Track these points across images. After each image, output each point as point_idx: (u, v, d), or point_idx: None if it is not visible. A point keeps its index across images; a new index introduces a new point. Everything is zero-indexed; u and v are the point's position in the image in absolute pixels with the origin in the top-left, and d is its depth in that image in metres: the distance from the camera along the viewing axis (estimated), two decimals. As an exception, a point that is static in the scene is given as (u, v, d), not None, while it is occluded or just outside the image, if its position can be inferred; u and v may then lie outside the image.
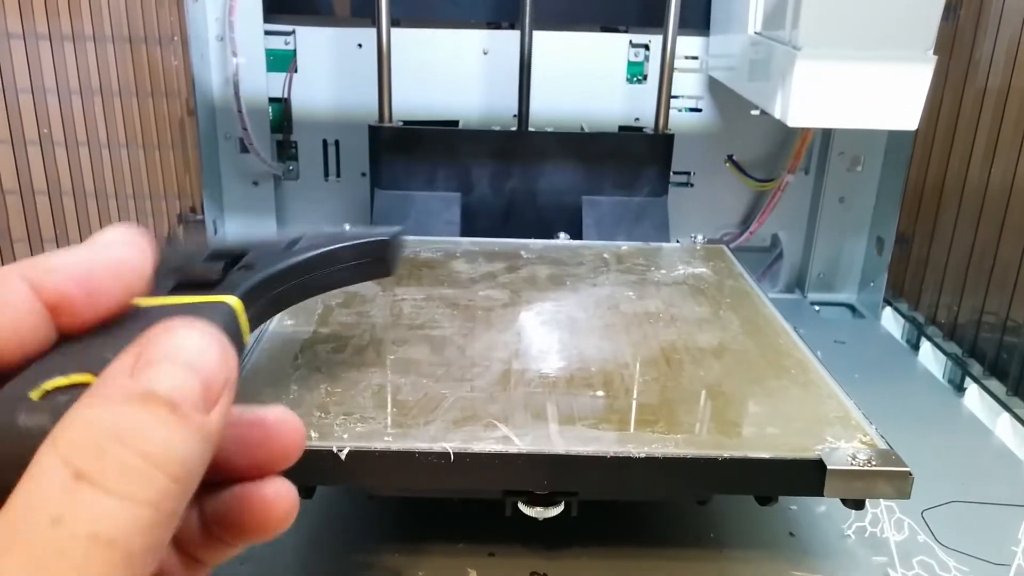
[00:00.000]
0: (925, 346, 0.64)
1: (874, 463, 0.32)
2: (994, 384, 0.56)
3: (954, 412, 0.57)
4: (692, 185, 0.73)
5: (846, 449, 0.33)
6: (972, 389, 0.57)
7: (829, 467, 0.32)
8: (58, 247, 0.56)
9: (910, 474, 0.32)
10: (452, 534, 0.41)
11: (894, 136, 0.68)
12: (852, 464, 0.32)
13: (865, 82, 0.47)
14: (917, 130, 0.65)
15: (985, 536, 0.43)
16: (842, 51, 0.47)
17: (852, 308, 0.73)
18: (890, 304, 0.70)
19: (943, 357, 0.61)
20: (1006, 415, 0.54)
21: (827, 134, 0.71)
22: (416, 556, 0.40)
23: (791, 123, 0.48)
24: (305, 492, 0.38)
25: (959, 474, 0.49)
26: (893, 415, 0.54)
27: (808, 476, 0.32)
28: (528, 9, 0.60)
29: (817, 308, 0.73)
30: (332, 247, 0.30)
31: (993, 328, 0.58)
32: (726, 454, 0.32)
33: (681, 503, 0.44)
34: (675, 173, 0.72)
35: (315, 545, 0.41)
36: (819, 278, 0.74)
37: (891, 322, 0.69)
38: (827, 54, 0.47)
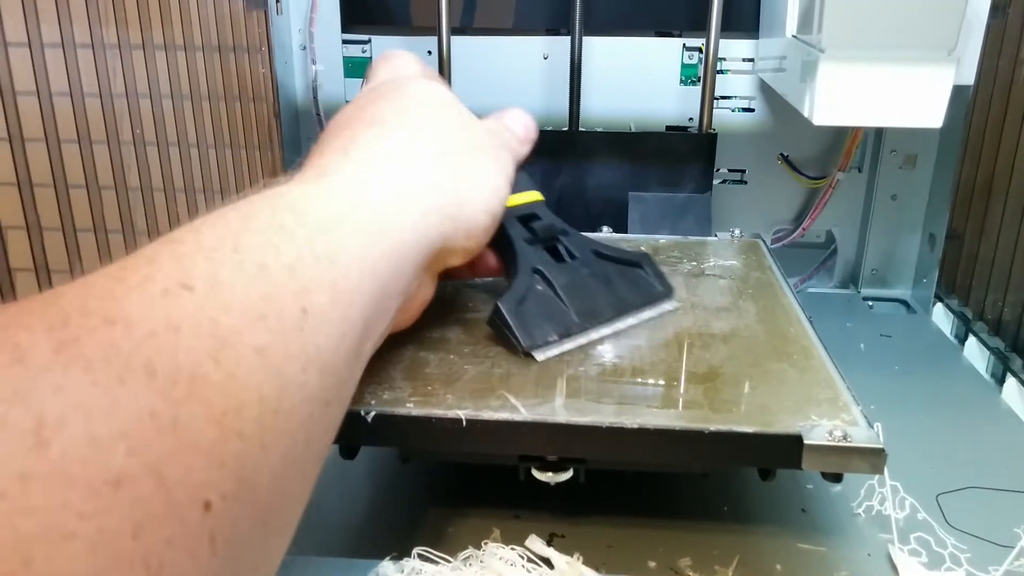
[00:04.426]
0: (970, 341, 0.64)
1: (849, 440, 0.34)
2: (1032, 378, 0.57)
3: (992, 405, 0.58)
4: (746, 183, 0.75)
5: (826, 426, 0.35)
6: (1011, 383, 0.58)
7: (806, 442, 0.35)
8: (150, 239, 0.63)
9: (883, 451, 0.34)
10: (480, 498, 0.45)
11: (946, 134, 0.69)
12: (828, 440, 0.35)
13: (888, 82, 0.49)
14: (969, 128, 0.67)
15: (996, 520, 0.45)
16: (865, 52, 0.49)
17: (905, 304, 0.74)
18: (941, 300, 0.71)
19: (987, 352, 0.62)
20: (1039, 408, 0.55)
21: (879, 133, 0.72)
22: (446, 516, 0.44)
23: (816, 121, 0.51)
24: (347, 453, 0.42)
25: (984, 463, 0.50)
26: (930, 406, 0.57)
27: (788, 450, 0.35)
28: (578, 16, 0.64)
29: (870, 304, 0.74)
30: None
31: (1033, 323, 0.59)
32: (713, 427, 0.35)
33: (691, 477, 0.47)
34: (729, 171, 0.74)
35: (355, 504, 0.46)
36: (872, 274, 0.76)
37: (941, 318, 0.70)
38: (850, 56, 0.49)
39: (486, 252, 0.44)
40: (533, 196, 0.46)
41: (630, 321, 0.44)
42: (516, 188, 0.44)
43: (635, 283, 0.46)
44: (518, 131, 0.43)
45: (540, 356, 0.41)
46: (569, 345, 0.42)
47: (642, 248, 0.47)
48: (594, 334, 0.43)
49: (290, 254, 0.26)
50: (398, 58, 0.42)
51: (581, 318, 0.42)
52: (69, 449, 0.18)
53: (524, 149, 0.44)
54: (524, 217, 0.45)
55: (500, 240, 0.43)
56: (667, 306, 0.47)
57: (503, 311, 0.41)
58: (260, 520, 0.23)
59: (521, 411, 0.36)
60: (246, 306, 0.24)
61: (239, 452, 0.22)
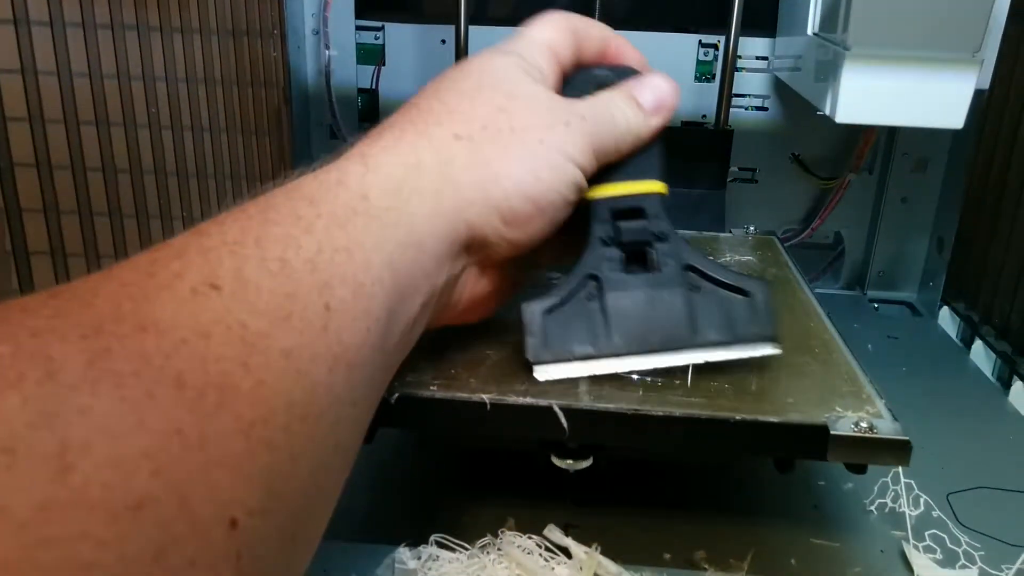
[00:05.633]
0: (977, 344, 0.65)
1: (875, 431, 0.35)
2: (1040, 383, 0.57)
3: (998, 408, 0.58)
4: (757, 181, 0.75)
5: (851, 418, 0.35)
6: (1017, 386, 0.58)
7: (832, 433, 0.35)
8: (163, 224, 0.62)
9: (908, 443, 0.34)
10: (494, 487, 0.45)
11: (958, 138, 0.70)
12: (854, 431, 0.35)
13: (912, 82, 0.49)
14: (982, 132, 0.67)
15: (1007, 520, 0.45)
16: (890, 52, 0.49)
17: (911, 306, 0.75)
18: (948, 304, 0.71)
19: (993, 355, 0.63)
20: (1047, 411, 0.55)
21: (891, 135, 0.72)
22: (461, 502, 0.44)
23: (839, 120, 0.51)
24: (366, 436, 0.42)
25: (993, 464, 0.50)
26: (938, 407, 0.57)
27: (813, 441, 0.35)
28: (597, 10, 0.64)
29: (876, 306, 0.74)
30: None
31: (1043, 328, 0.59)
32: (738, 416, 0.35)
33: (707, 471, 0.47)
34: (740, 169, 0.74)
35: (371, 489, 0.46)
36: (879, 276, 0.76)
37: (947, 321, 0.71)
38: (875, 55, 0.49)
39: (555, 243, 0.38)
40: (649, 187, 0.38)
41: (695, 357, 0.37)
42: (631, 174, 0.38)
43: (729, 315, 0.37)
44: (646, 100, 0.38)
45: (541, 375, 0.36)
46: (588, 370, 0.37)
47: (759, 277, 0.38)
48: (634, 363, 0.37)
49: (310, 248, 0.26)
50: (532, 24, 0.39)
51: (623, 342, 0.36)
52: (92, 474, 0.18)
53: (651, 122, 0.38)
54: (622, 211, 0.38)
55: (581, 233, 0.38)
56: (758, 351, 0.37)
57: (524, 314, 0.36)
58: (287, 534, 0.23)
59: (545, 395, 0.36)
60: (272, 306, 0.23)
61: (267, 464, 0.21)
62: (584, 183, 0.36)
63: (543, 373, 0.36)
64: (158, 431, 0.19)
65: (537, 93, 0.36)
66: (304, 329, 0.24)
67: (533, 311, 0.36)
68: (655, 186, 0.39)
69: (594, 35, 0.40)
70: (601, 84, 0.38)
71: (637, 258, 0.38)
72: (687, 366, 0.37)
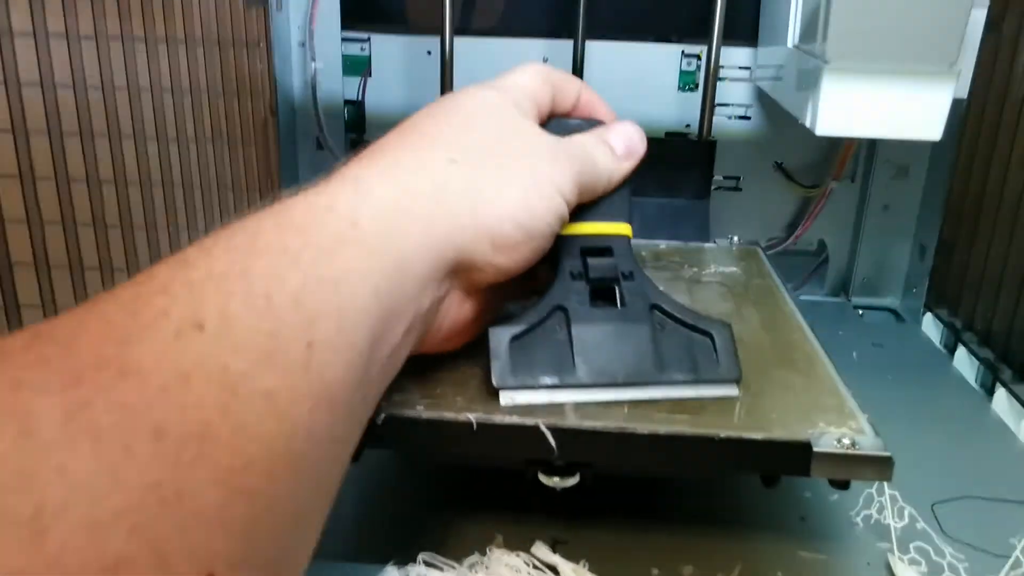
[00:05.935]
0: (960, 351, 0.65)
1: (858, 448, 0.35)
2: (1022, 389, 0.58)
3: (981, 415, 0.58)
4: (740, 190, 0.76)
5: (834, 434, 0.36)
6: (1000, 393, 0.59)
7: (815, 449, 0.35)
8: (147, 235, 0.62)
9: (890, 459, 0.35)
10: (480, 503, 0.45)
11: (938, 146, 0.70)
12: (837, 448, 0.35)
13: (889, 94, 0.50)
14: (962, 140, 0.68)
15: (991, 530, 0.45)
16: (868, 64, 0.49)
17: (895, 313, 0.75)
18: (930, 310, 0.72)
19: (976, 362, 0.63)
20: (1030, 419, 0.55)
21: (873, 143, 0.73)
22: (447, 520, 0.44)
23: (818, 132, 0.51)
24: (352, 456, 0.42)
25: (976, 473, 0.51)
26: (921, 415, 0.57)
27: (796, 457, 0.35)
28: (581, 20, 0.64)
29: (860, 312, 0.75)
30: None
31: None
32: (723, 434, 0.35)
33: (695, 486, 0.47)
34: (724, 178, 0.75)
35: (359, 508, 0.46)
36: (863, 283, 0.76)
37: (931, 327, 0.71)
38: (853, 67, 0.50)
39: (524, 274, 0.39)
40: (617, 228, 0.41)
41: (656, 393, 0.37)
42: (601, 215, 0.40)
43: (691, 354, 0.38)
44: (617, 146, 0.40)
45: (505, 400, 0.37)
46: (553, 398, 0.37)
47: (721, 320, 0.39)
48: (598, 395, 0.37)
49: (295, 281, 0.25)
50: (513, 72, 0.40)
51: (587, 374, 0.37)
52: (67, 538, 0.17)
53: (622, 167, 0.40)
54: (591, 249, 0.40)
55: (551, 267, 0.39)
56: (719, 391, 0.38)
57: (491, 339, 0.37)
58: None
59: (532, 415, 0.36)
60: (254, 344, 0.23)
61: (246, 514, 0.21)
62: (567, 217, 0.37)
63: (507, 398, 0.37)
64: (135, 488, 0.18)
65: (529, 127, 0.37)
66: (286, 368, 0.23)
67: (500, 337, 0.37)
68: (623, 228, 0.41)
69: (569, 89, 0.41)
70: (574, 133, 0.40)
71: (604, 294, 0.39)
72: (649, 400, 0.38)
